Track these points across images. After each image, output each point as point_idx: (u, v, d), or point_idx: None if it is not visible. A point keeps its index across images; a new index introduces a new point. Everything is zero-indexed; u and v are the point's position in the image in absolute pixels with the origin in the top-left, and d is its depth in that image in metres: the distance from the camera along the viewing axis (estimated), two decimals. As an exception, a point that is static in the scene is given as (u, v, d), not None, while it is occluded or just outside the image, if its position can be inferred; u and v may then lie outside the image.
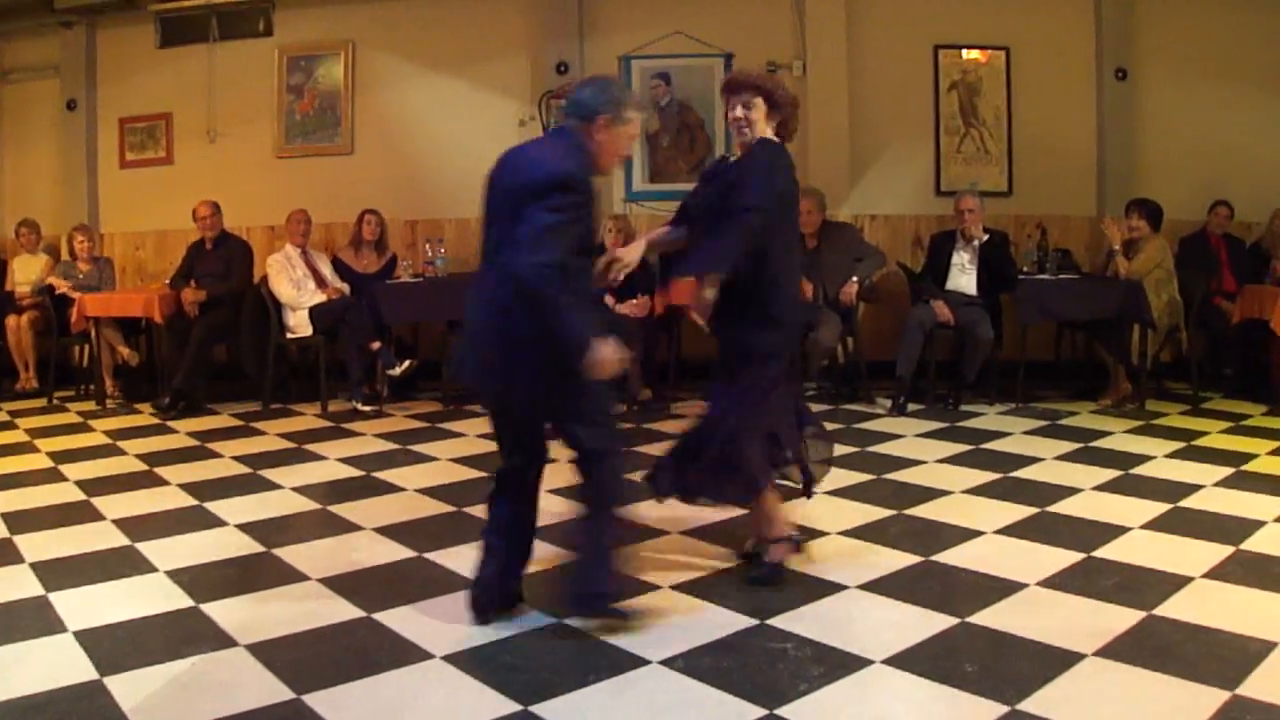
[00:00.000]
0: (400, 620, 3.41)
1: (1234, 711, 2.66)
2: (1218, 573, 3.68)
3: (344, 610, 3.51)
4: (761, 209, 3.53)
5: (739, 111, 3.71)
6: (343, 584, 3.75)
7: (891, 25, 8.03)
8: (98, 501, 4.90)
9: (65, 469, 5.56)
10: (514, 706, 2.79)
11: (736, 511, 4.55)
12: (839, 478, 5.11)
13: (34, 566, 3.96)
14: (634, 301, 6.92)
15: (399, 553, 4.11)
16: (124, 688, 2.92)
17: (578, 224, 3.15)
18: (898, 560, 3.90)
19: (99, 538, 4.33)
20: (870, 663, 3.02)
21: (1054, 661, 2.97)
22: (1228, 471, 5.09)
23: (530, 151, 3.40)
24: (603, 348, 3.09)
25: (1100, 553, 3.91)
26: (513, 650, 3.19)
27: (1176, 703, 2.72)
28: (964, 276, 6.95)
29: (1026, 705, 2.71)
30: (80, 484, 5.23)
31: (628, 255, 3.65)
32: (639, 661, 3.06)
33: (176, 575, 3.86)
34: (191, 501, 4.91)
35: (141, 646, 3.22)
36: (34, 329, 7.92)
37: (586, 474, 3.32)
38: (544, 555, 4.01)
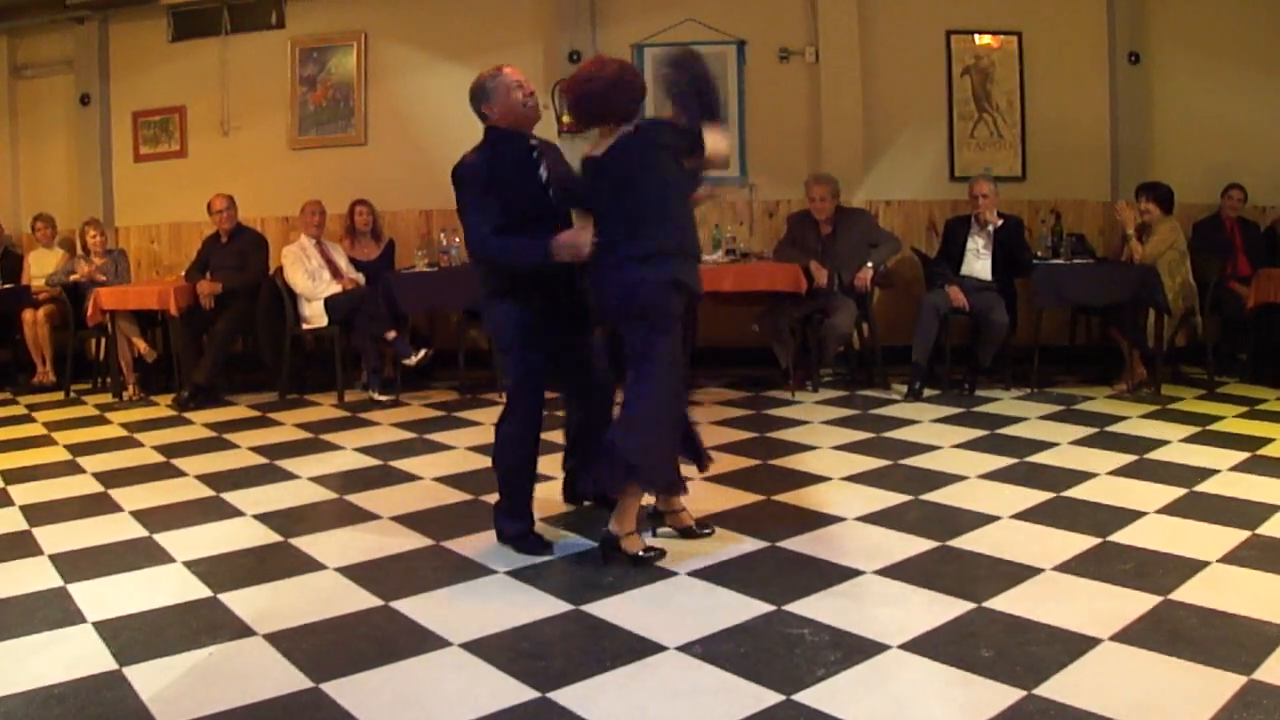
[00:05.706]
0: (418, 608, 3.42)
1: (1250, 696, 2.65)
2: (1233, 557, 3.67)
3: (362, 599, 3.52)
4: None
5: None
6: (360, 573, 3.77)
7: (903, 10, 7.99)
8: (115, 493, 4.93)
9: (83, 461, 5.59)
10: (532, 693, 2.80)
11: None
12: (855, 463, 5.12)
13: (53, 558, 4.00)
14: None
15: (416, 541, 4.12)
16: (143, 678, 2.94)
17: None
18: (914, 545, 3.90)
19: (117, 529, 4.36)
20: (887, 648, 3.02)
21: (1070, 646, 2.97)
22: (1243, 456, 5.06)
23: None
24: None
25: (1116, 537, 3.91)
26: (530, 637, 3.20)
27: (1192, 688, 2.72)
28: (979, 262, 6.93)
29: (1042, 690, 2.71)
30: (98, 476, 5.26)
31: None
32: (656, 647, 3.07)
33: (194, 565, 3.89)
34: (209, 492, 4.94)
35: (160, 637, 3.24)
36: (51, 323, 7.95)
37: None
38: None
